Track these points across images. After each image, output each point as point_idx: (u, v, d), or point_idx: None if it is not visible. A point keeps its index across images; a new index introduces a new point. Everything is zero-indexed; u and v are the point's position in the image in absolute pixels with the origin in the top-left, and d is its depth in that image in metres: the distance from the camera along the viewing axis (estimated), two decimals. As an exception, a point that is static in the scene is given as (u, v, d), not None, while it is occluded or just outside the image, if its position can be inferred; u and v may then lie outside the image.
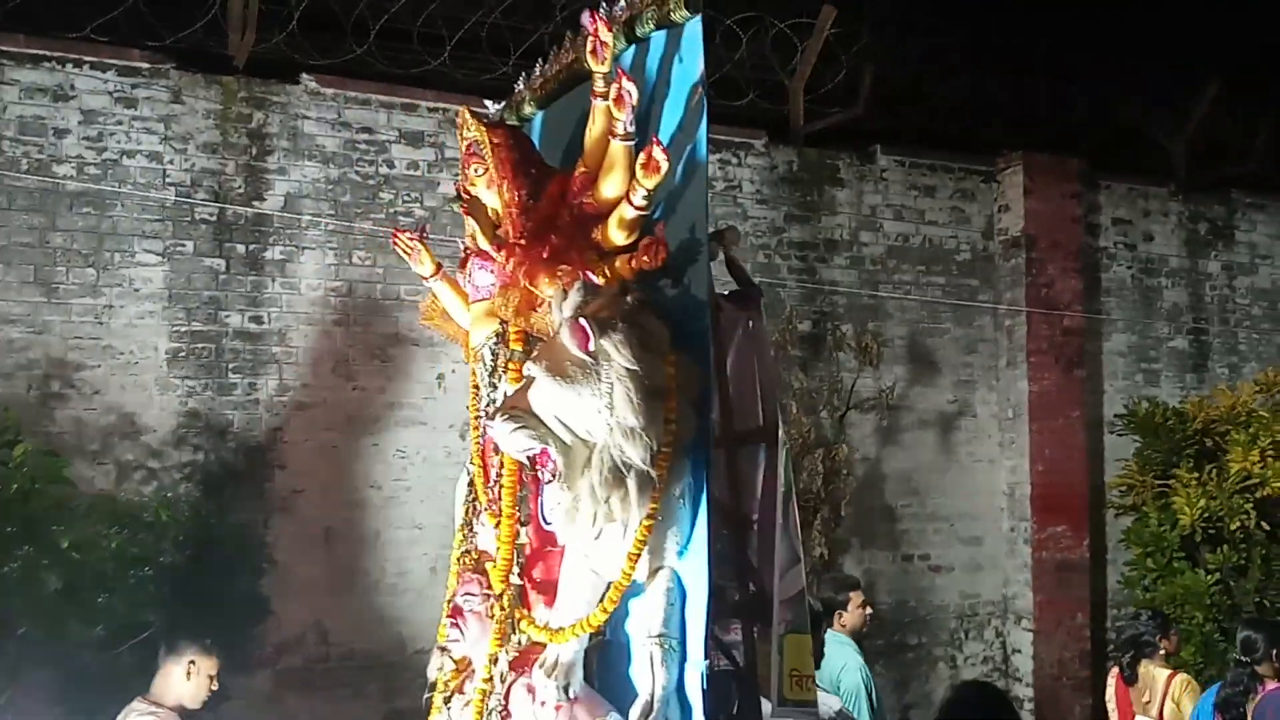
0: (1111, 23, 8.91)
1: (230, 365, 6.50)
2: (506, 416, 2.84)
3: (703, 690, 2.85)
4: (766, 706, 3.18)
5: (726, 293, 3.52)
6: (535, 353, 2.99)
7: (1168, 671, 5.53)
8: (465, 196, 3.41)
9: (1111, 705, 5.74)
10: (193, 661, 4.17)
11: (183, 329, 6.40)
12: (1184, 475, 7.46)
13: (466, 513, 3.57)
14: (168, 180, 6.43)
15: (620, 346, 2.82)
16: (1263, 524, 7.28)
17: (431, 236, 6.70)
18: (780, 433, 3.50)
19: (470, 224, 3.53)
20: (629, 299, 3.01)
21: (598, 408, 2.81)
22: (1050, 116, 8.92)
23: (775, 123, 8.09)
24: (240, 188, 6.59)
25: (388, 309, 6.90)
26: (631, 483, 2.81)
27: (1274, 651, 4.89)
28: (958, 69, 8.41)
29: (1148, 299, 9.25)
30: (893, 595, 7.82)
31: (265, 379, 6.56)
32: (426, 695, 3.58)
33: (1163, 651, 5.64)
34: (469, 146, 3.40)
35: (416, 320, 6.80)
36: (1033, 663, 8.20)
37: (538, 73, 3.87)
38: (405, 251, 3.78)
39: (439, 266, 3.76)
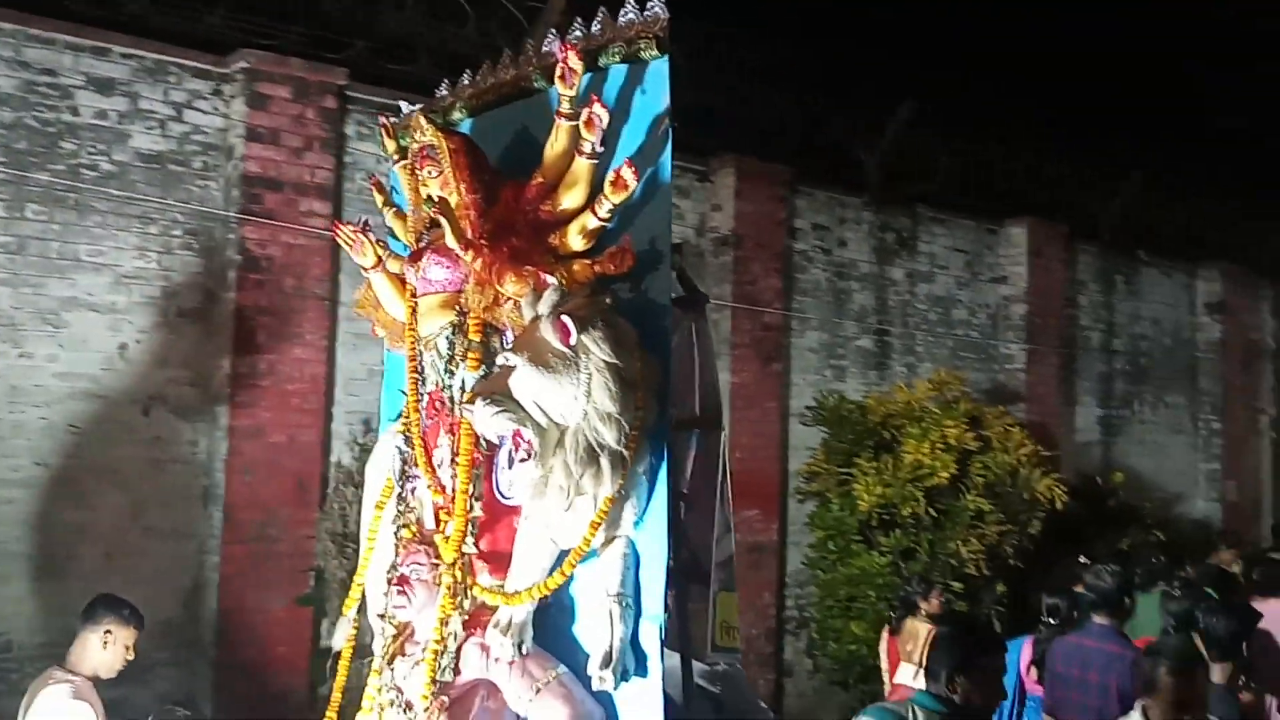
0: (822, 39, 9.46)
1: None
2: (488, 400, 3.16)
3: (661, 640, 3.30)
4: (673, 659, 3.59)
5: (673, 297, 3.80)
6: (513, 344, 3.37)
7: (929, 626, 5.97)
8: (435, 199, 3.61)
9: (884, 654, 6.48)
10: (109, 630, 4.10)
11: None
12: (864, 464, 8.00)
13: (401, 489, 3.81)
14: None
15: (600, 342, 3.21)
16: (930, 510, 7.95)
17: (128, 196, 6.18)
18: (722, 421, 4.09)
19: (399, 226, 4.02)
20: (607, 300, 3.42)
21: (575, 395, 3.19)
22: (761, 124, 9.34)
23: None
24: (-112, 122, 5.80)
25: (64, 269, 6.29)
26: (604, 461, 3.21)
27: (1074, 613, 5.55)
28: (679, 74, 8.62)
29: (839, 300, 9.89)
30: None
31: (-88, 340, 5.82)
32: (331, 663, 3.88)
33: (924, 610, 6.33)
34: (423, 149, 3.68)
35: (96, 282, 6.30)
36: (724, 642, 8.56)
37: (467, 82, 4.19)
38: (347, 243, 3.97)
39: (380, 259, 3.94)
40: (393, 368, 4.38)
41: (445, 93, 4.30)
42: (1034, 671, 5.48)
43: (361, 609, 4.03)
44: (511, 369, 3.21)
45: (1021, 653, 5.58)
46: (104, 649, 4.09)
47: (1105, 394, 12.35)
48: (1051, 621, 5.60)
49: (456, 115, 4.18)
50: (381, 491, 3.98)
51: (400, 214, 4.15)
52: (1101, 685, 4.72)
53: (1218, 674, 4.60)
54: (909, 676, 5.98)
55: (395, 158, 4.18)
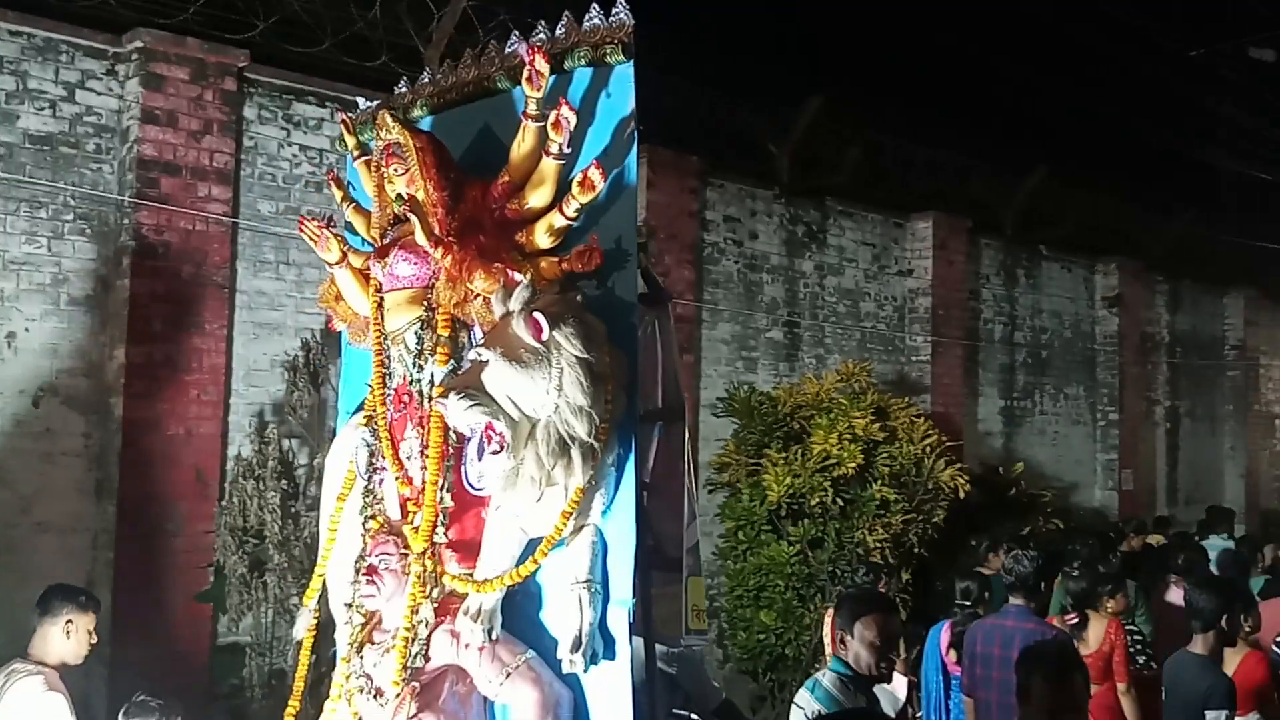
0: (732, 32, 9.50)
1: None
2: (461, 394, 3.22)
3: (629, 623, 3.44)
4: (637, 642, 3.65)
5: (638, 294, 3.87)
6: (485, 339, 3.42)
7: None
8: (405, 196, 3.65)
9: (827, 635, 6.50)
10: (70, 620, 4.15)
11: None
12: (774, 455, 8.06)
13: (368, 481, 3.85)
14: None
15: (571, 338, 3.30)
16: (837, 500, 8.04)
17: (17, 179, 5.93)
18: (684, 413, 4.19)
19: (359, 221, 4.04)
20: (578, 297, 3.54)
21: (547, 389, 3.28)
22: (672, 116, 9.34)
23: (409, 90, 7.85)
24: None
25: (-53, 254, 6.02)
26: (575, 453, 3.31)
27: (986, 595, 5.92)
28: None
29: (750, 292, 9.96)
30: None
31: None
32: (293, 651, 3.98)
33: None
34: (388, 147, 3.69)
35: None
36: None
37: (426, 80, 4.22)
38: (312, 238, 3.95)
39: (344, 255, 3.94)
40: (351, 362, 4.39)
41: (404, 89, 4.32)
42: (954, 653, 5.67)
43: (322, 599, 4.05)
44: (484, 364, 3.28)
45: (940, 636, 5.78)
46: (67, 638, 4.13)
47: (1007, 385, 12.67)
48: (965, 604, 5.83)
49: (417, 113, 4.19)
50: (343, 483, 4.01)
51: (360, 209, 4.15)
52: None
53: (1199, 645, 4.95)
54: None
55: (355, 153, 4.18)
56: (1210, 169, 16.47)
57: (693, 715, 4.15)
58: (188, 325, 6.55)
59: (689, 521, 4.13)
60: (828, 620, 6.75)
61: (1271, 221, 16.60)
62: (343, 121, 4.21)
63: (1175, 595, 7.17)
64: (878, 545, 8.16)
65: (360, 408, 4.05)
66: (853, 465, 8.01)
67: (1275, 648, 5.73)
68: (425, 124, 4.10)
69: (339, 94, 7.32)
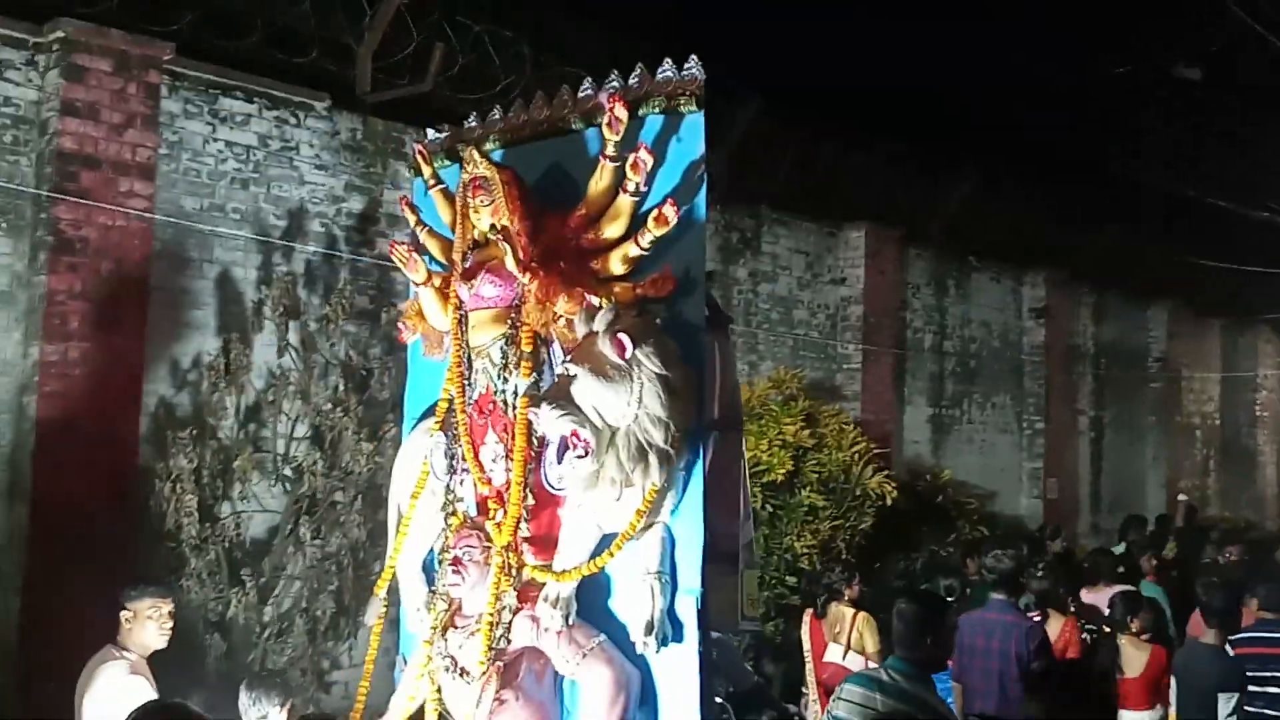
0: (664, 39, 9.46)
1: None
2: (553, 405, 3.66)
3: (698, 609, 3.85)
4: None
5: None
6: (573, 356, 3.82)
7: (853, 610, 6.70)
8: (500, 227, 4.10)
9: (806, 638, 6.92)
10: (154, 605, 4.44)
11: None
12: (705, 461, 8.08)
13: (449, 481, 4.30)
14: None
15: (650, 356, 3.75)
16: (767, 506, 8.11)
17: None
18: (741, 423, 4.71)
19: (432, 244, 4.50)
20: (656, 320, 3.94)
21: (628, 401, 3.72)
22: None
23: (341, 87, 7.78)
24: None
25: None
26: (653, 458, 3.74)
27: (966, 592, 6.69)
28: (523, 58, 8.53)
29: (685, 298, 9.95)
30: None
31: None
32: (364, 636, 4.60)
33: (848, 595, 6.83)
34: (475, 180, 4.16)
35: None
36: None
37: (497, 116, 4.66)
38: (401, 260, 4.41)
39: (430, 275, 4.40)
40: (419, 373, 4.78)
41: (474, 123, 4.73)
42: None
43: (391, 589, 4.50)
44: (573, 378, 3.71)
45: None
46: (151, 623, 4.43)
47: (936, 394, 12.84)
48: (948, 600, 6.19)
49: (489, 145, 4.55)
50: (416, 483, 4.40)
51: (433, 233, 4.56)
52: (1002, 651, 5.54)
53: (1212, 637, 5.69)
54: (838, 655, 6.63)
55: (430, 182, 4.57)
56: (1136, 184, 16.86)
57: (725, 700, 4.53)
58: (106, 323, 6.39)
59: (744, 520, 4.52)
60: (807, 619, 7.03)
61: (1194, 235, 17.04)
62: (420, 153, 4.64)
63: (1090, 597, 7.39)
64: (805, 551, 8.25)
65: (429, 414, 4.50)
66: (782, 471, 8.10)
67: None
68: (497, 156, 4.43)
69: (267, 89, 7.21)
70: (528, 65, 8.40)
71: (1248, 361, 19.62)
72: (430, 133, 4.86)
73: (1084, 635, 6.46)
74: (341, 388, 7.11)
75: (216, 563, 6.43)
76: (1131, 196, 16.20)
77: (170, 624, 4.55)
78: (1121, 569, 8.28)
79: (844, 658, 6.56)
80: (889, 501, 9.06)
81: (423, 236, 4.58)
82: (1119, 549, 9.70)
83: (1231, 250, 17.12)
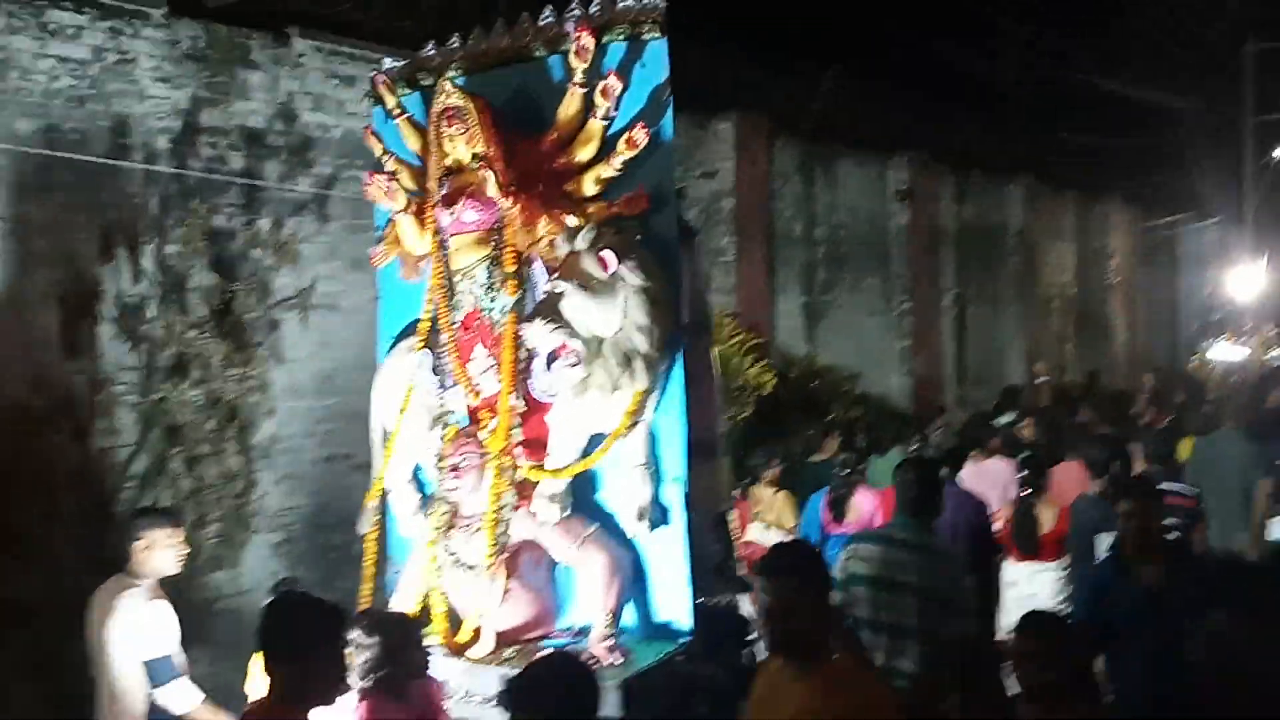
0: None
1: None
2: (545, 320, 4.00)
3: (685, 494, 4.29)
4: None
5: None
6: (559, 273, 4.12)
7: (772, 489, 7.31)
8: (480, 155, 4.33)
9: (734, 518, 7.18)
10: (171, 533, 4.56)
11: None
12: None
13: (441, 395, 4.66)
14: None
15: (633, 270, 4.10)
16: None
17: None
18: (710, 325, 5.17)
19: (403, 172, 4.78)
20: (637, 236, 4.23)
21: (613, 313, 4.06)
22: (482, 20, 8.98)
23: (180, -8, 7.30)
24: None
25: None
26: (639, 363, 4.10)
27: (860, 467, 7.00)
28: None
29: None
30: (316, 496, 7.71)
31: None
32: (359, 543, 4.89)
33: (768, 477, 7.37)
34: (448, 109, 4.39)
35: None
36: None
37: (456, 44, 4.83)
38: (380, 190, 4.66)
39: (409, 202, 4.66)
40: (393, 295, 5.05)
41: (432, 52, 4.89)
42: (831, 514, 6.59)
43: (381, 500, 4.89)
44: (561, 294, 4.02)
45: (821, 502, 6.71)
46: (169, 550, 4.54)
47: (808, 282, 13.07)
48: (845, 473, 6.75)
49: (451, 73, 4.72)
50: (403, 399, 4.71)
51: (401, 161, 4.81)
52: (950, 523, 5.72)
53: (1093, 488, 6.32)
54: (759, 532, 7.13)
55: (396, 112, 4.80)
56: (991, 65, 17.20)
57: None
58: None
59: (719, 412, 4.91)
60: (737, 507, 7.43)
61: (1049, 112, 17.53)
62: (384, 84, 4.85)
63: (974, 465, 7.62)
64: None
65: (406, 334, 4.80)
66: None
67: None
68: (459, 83, 4.60)
69: (98, -1, 6.72)
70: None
71: (1100, 232, 20.48)
72: (388, 62, 5.05)
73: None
74: (205, 311, 6.85)
75: (86, 507, 6.22)
76: (988, 78, 16.54)
77: (186, 550, 4.70)
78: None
79: (765, 532, 7.06)
80: (768, 390, 9.26)
81: (389, 164, 4.80)
82: (1005, 420, 10.00)
83: (1084, 124, 17.74)
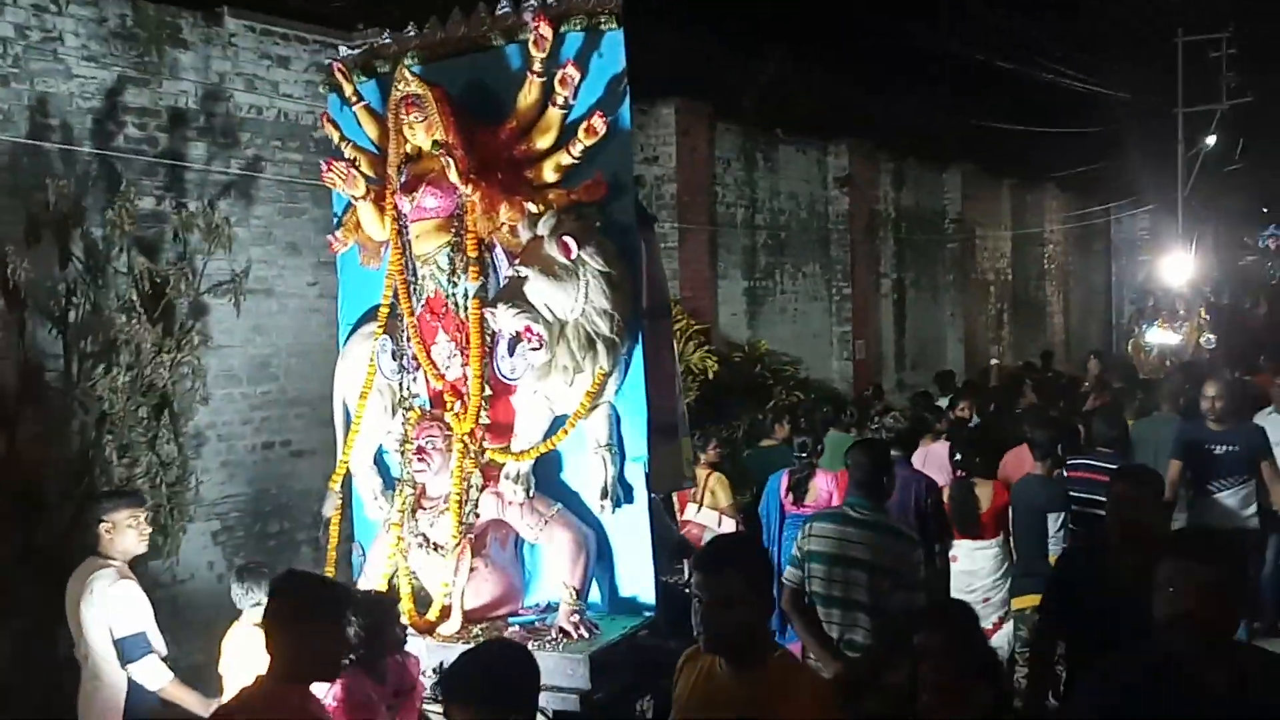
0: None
1: None
2: (508, 304, 4.09)
3: (646, 473, 4.41)
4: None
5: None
6: (521, 259, 4.22)
7: (706, 471, 7.28)
8: (441, 142, 4.34)
9: (674, 498, 7.02)
10: (132, 514, 4.70)
11: None
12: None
13: (402, 379, 4.71)
14: None
15: (594, 255, 4.19)
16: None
17: None
18: (670, 310, 5.21)
19: (362, 160, 4.79)
20: (597, 222, 4.31)
21: (576, 297, 4.16)
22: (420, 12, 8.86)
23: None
24: None
25: None
26: (600, 346, 4.21)
27: (819, 448, 6.89)
28: None
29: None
30: (253, 484, 7.58)
31: None
32: (323, 530, 4.93)
33: (705, 459, 7.33)
34: (407, 98, 4.44)
35: None
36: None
37: (411, 33, 4.87)
38: (340, 177, 4.64)
39: (369, 190, 4.68)
40: (353, 282, 5.12)
41: (388, 40, 4.92)
42: (790, 496, 6.59)
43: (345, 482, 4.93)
44: (524, 279, 4.11)
45: (781, 482, 6.69)
46: (131, 530, 4.67)
47: (749, 267, 13.12)
48: (803, 456, 6.72)
49: (407, 62, 4.73)
50: (364, 383, 4.77)
51: (359, 148, 4.83)
52: (901, 503, 5.81)
53: (1040, 468, 6.47)
54: (694, 513, 7.19)
55: (352, 100, 4.84)
56: (931, 53, 17.37)
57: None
58: None
59: (678, 394, 4.99)
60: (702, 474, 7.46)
61: (986, 100, 17.74)
62: (340, 71, 4.86)
63: (924, 448, 7.71)
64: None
65: (365, 319, 4.88)
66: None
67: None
68: (416, 71, 4.63)
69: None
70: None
71: (1035, 218, 20.81)
72: (342, 48, 5.07)
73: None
74: (134, 296, 6.68)
75: (17, 493, 6.05)
76: (927, 66, 16.70)
77: (149, 530, 4.82)
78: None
79: (698, 514, 7.16)
80: (711, 375, 9.28)
81: (347, 151, 4.80)
82: (944, 402, 10.14)
83: (1019, 113, 18.00)
